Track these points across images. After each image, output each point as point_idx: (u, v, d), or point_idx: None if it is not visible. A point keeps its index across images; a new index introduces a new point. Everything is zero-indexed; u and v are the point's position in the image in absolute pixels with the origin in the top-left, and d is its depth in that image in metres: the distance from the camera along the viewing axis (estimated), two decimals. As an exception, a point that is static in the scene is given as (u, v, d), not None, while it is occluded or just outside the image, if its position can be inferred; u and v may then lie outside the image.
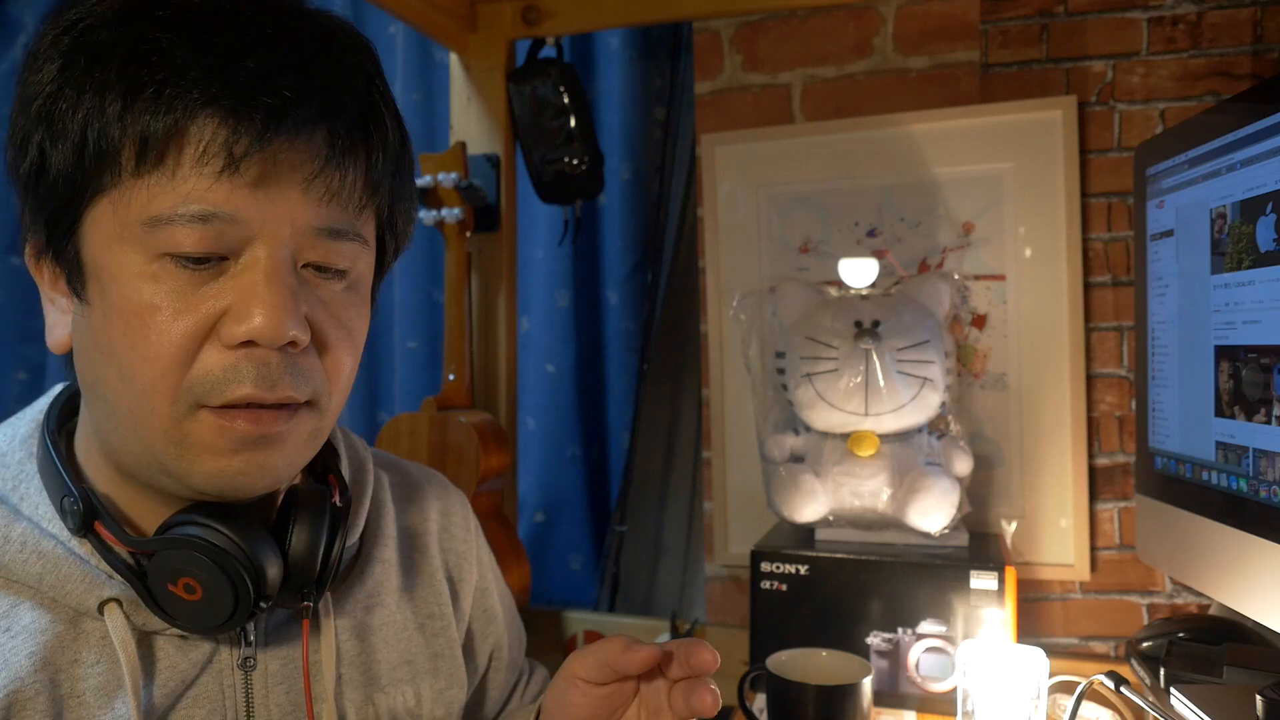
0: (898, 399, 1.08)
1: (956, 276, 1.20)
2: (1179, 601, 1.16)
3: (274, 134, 0.52)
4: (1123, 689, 0.84)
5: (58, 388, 0.67)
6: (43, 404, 0.65)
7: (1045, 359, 1.20)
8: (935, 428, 1.16)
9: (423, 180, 1.27)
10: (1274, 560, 0.78)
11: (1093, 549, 1.19)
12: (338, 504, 0.66)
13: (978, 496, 1.19)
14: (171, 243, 0.52)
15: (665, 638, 1.05)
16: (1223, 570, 0.86)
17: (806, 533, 1.14)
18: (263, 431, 0.56)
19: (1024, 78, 1.21)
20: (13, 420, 0.66)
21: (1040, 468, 1.21)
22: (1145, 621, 1.17)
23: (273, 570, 0.59)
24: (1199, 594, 1.14)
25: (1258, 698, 0.79)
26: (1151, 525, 1.00)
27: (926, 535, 1.07)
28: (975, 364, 1.23)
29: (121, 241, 0.53)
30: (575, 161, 1.32)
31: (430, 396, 1.26)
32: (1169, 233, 0.95)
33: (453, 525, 0.80)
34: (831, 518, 1.11)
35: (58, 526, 0.58)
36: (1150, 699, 0.84)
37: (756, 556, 1.09)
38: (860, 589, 1.05)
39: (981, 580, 1.01)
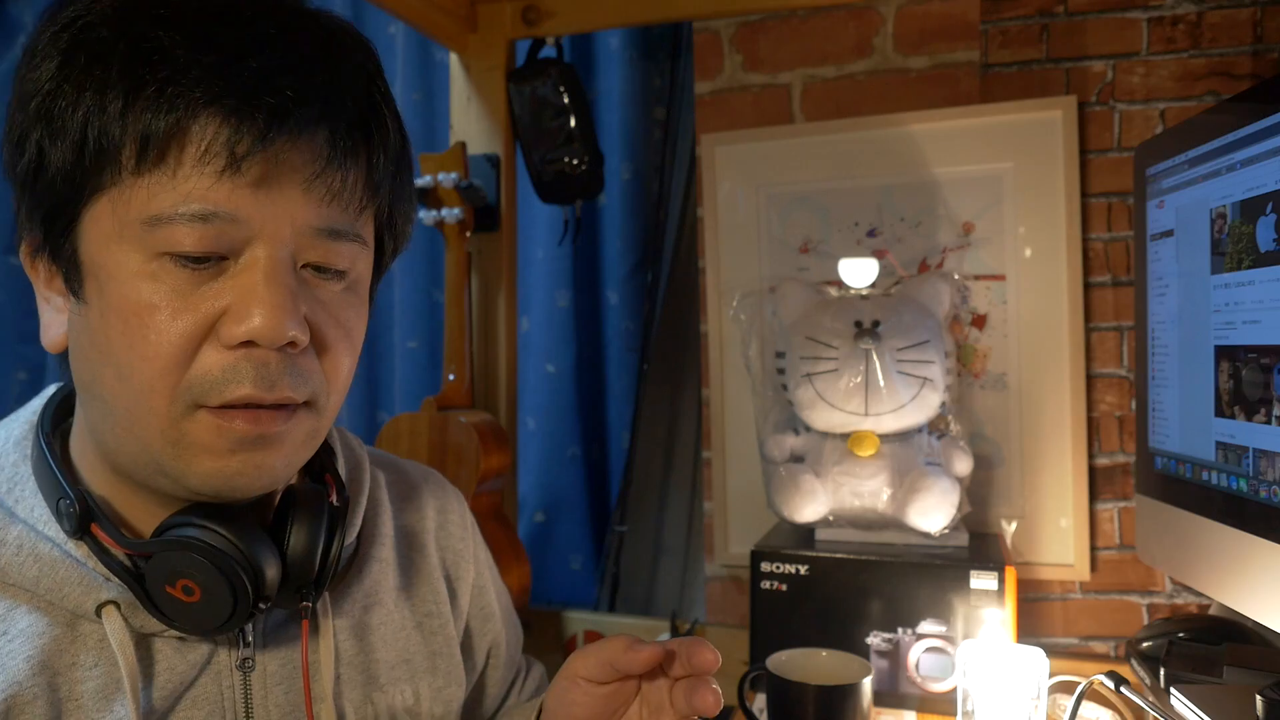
0: (898, 399, 1.08)
1: (956, 276, 1.20)
2: (1179, 601, 1.16)
3: (276, 134, 0.52)
4: (1123, 689, 0.84)
5: (51, 388, 0.67)
6: (36, 405, 0.65)
7: (1045, 359, 1.20)
8: (935, 428, 1.16)
9: (423, 180, 1.27)
10: (1274, 560, 0.78)
11: (1093, 549, 1.19)
12: (335, 503, 0.66)
13: (978, 496, 1.19)
14: (171, 242, 0.52)
15: (665, 638, 1.05)
16: (1223, 570, 0.86)
17: (806, 533, 1.14)
18: (261, 432, 0.56)
19: (1024, 78, 1.21)
20: (6, 422, 0.65)
21: (1040, 468, 1.21)
22: (1145, 621, 1.17)
23: (271, 571, 0.58)
24: (1199, 594, 1.14)
25: (1258, 698, 0.79)
26: (1151, 525, 1.00)
27: (926, 535, 1.07)
28: (975, 364, 1.23)
29: (120, 240, 0.53)
30: (575, 161, 1.32)
31: (430, 396, 1.26)
32: (1169, 233, 0.95)
33: (450, 524, 0.80)
34: (831, 518, 1.11)
35: (54, 529, 0.58)
36: (1150, 699, 0.84)
37: (756, 556, 1.09)
38: (860, 589, 1.05)
39: (981, 580, 1.01)
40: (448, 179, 1.26)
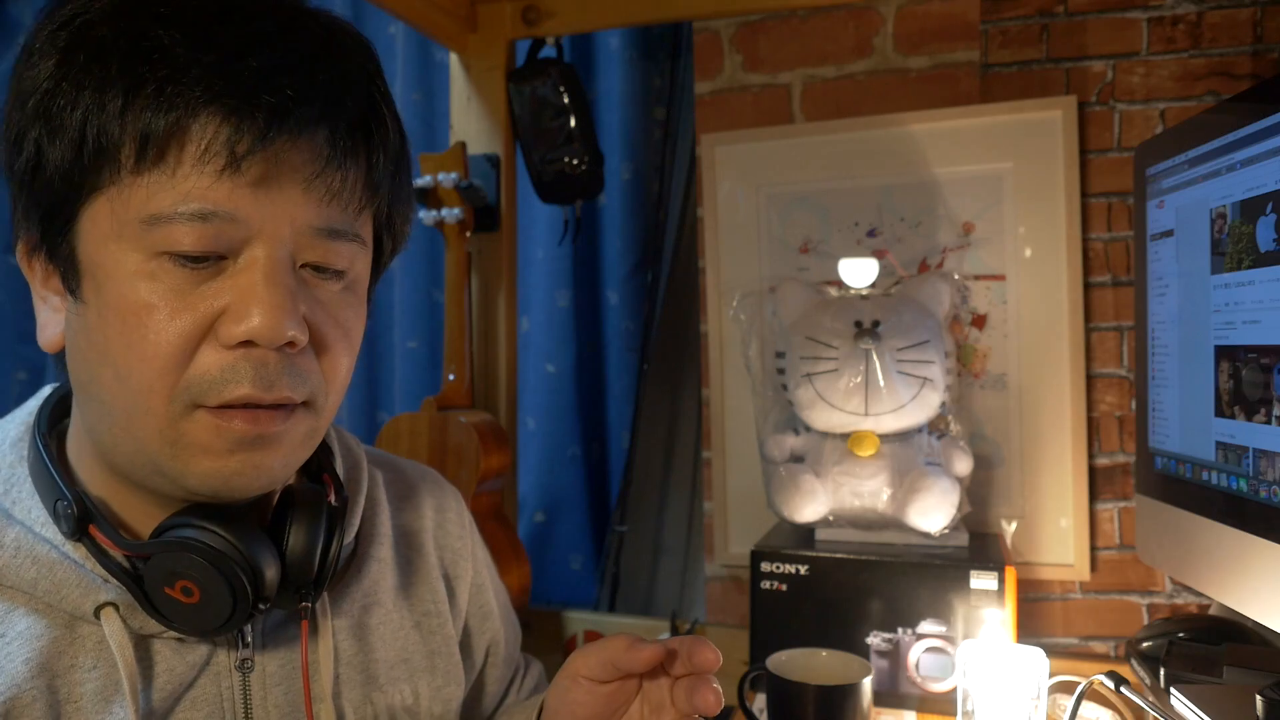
0: (898, 399, 1.08)
1: (956, 276, 1.20)
2: (1179, 601, 1.16)
3: (276, 133, 0.52)
4: (1123, 689, 0.84)
5: (47, 389, 0.66)
6: (32, 406, 0.65)
7: (1045, 359, 1.20)
8: (935, 428, 1.16)
9: (423, 180, 1.27)
10: (1274, 560, 0.78)
11: (1093, 549, 1.19)
12: (333, 503, 0.65)
13: (978, 496, 1.19)
14: (170, 241, 0.52)
15: (665, 637, 1.05)
16: (1223, 570, 0.86)
17: (806, 533, 1.14)
18: (260, 431, 0.55)
19: (1024, 78, 1.21)
20: (2, 423, 0.65)
21: (1040, 468, 1.21)
22: (1145, 621, 1.17)
23: (270, 571, 0.58)
24: (1199, 594, 1.14)
25: (1258, 698, 0.79)
26: (1151, 525, 1.00)
27: (926, 535, 1.07)
28: (975, 364, 1.23)
29: (119, 239, 0.53)
30: (575, 161, 1.32)
31: (430, 396, 1.26)
32: (1169, 233, 0.95)
33: (448, 522, 0.80)
34: (831, 518, 1.11)
35: (51, 531, 0.58)
36: (1150, 699, 0.84)
37: (756, 556, 1.09)
38: (860, 589, 1.05)
39: (981, 580, 1.01)
40: (448, 179, 1.26)
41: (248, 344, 0.54)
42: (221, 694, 0.61)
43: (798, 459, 1.16)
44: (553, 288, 1.63)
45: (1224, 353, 0.85)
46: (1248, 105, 0.83)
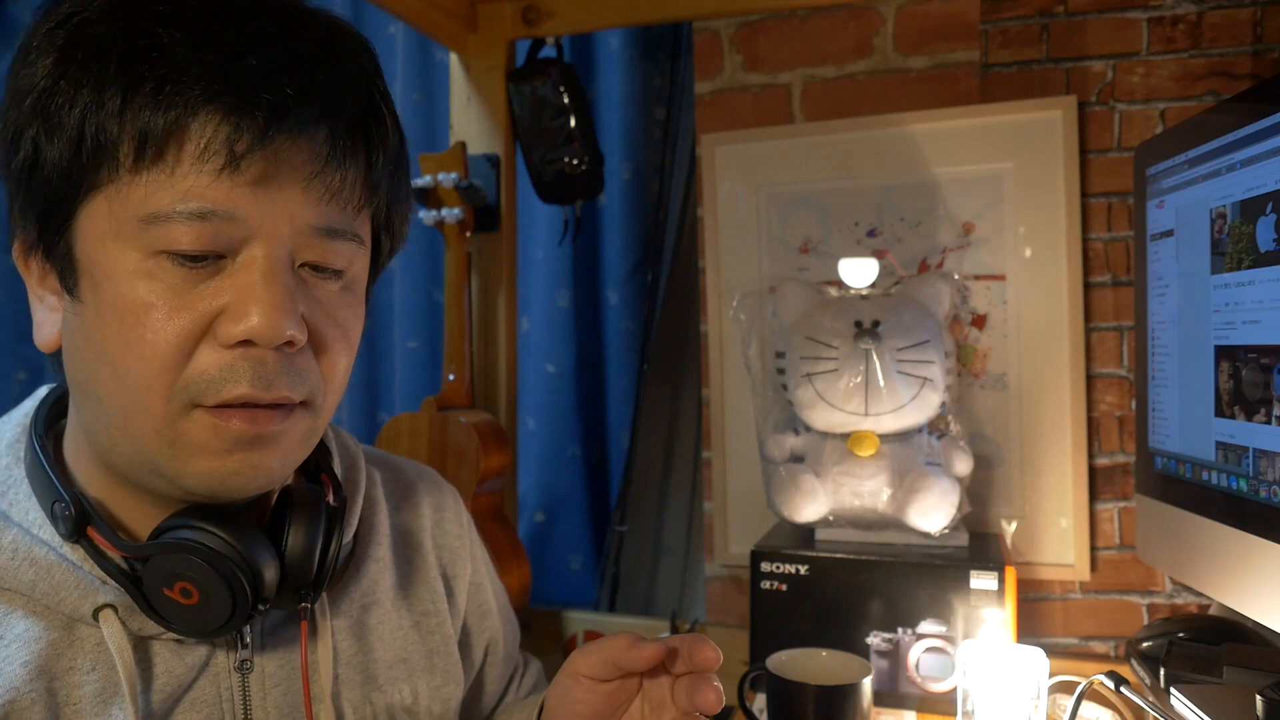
0: (898, 399, 1.08)
1: (956, 276, 1.20)
2: (1179, 601, 1.16)
3: (276, 132, 0.52)
4: (1123, 689, 0.84)
5: (42, 390, 0.66)
6: (28, 407, 0.64)
7: (1045, 359, 1.20)
8: (935, 428, 1.16)
9: (423, 180, 1.27)
10: (1274, 560, 0.78)
11: (1093, 549, 1.19)
12: (332, 503, 0.65)
13: (978, 496, 1.19)
14: (168, 240, 0.52)
15: (665, 637, 1.05)
16: (1223, 570, 0.86)
17: (806, 533, 1.14)
18: (258, 431, 0.55)
19: (1024, 78, 1.21)
20: None
21: (1040, 468, 1.21)
22: (1145, 621, 1.17)
23: (270, 572, 0.58)
24: (1199, 594, 1.14)
25: (1258, 698, 0.79)
26: (1151, 525, 1.00)
27: (926, 535, 1.07)
28: (975, 364, 1.23)
29: (117, 238, 0.53)
30: (575, 161, 1.32)
31: (430, 396, 1.26)
32: (1169, 233, 0.95)
33: (446, 521, 0.80)
34: (831, 518, 1.11)
35: (49, 533, 0.58)
36: (1150, 699, 0.84)
37: (756, 556, 1.09)
38: (860, 589, 1.05)
39: (981, 580, 1.01)
40: (448, 179, 1.26)
41: (246, 343, 0.54)
42: (221, 695, 0.61)
43: (798, 459, 1.16)
44: (553, 288, 1.63)
45: (1224, 353, 0.85)
46: (1248, 105, 0.83)
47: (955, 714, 0.93)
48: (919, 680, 1.02)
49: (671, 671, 0.60)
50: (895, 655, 1.03)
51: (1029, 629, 1.20)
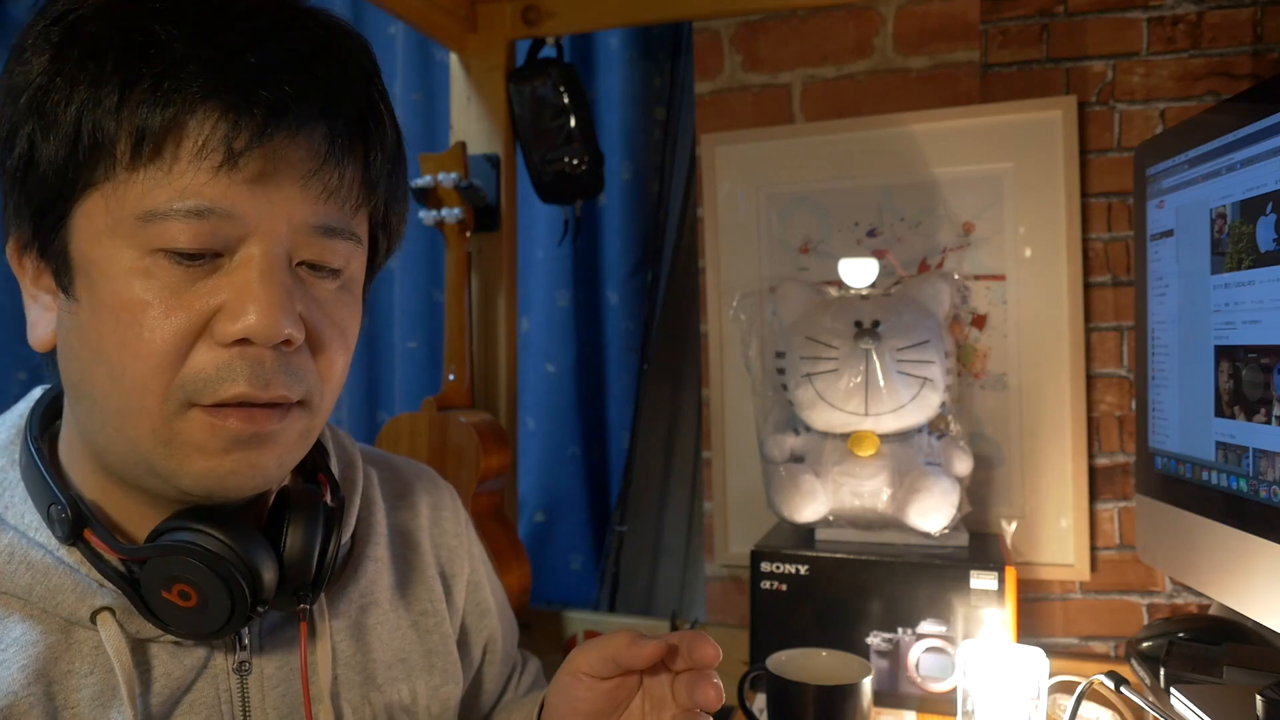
0: (898, 399, 1.08)
1: (956, 276, 1.20)
2: (1179, 601, 1.16)
3: (274, 130, 0.51)
4: (1123, 689, 0.84)
5: (37, 391, 0.66)
6: (23, 408, 0.64)
7: (1045, 359, 1.20)
8: (935, 428, 1.15)
9: (423, 180, 1.27)
10: (1274, 560, 0.78)
11: (1093, 549, 1.19)
12: (330, 503, 0.65)
13: (978, 496, 1.19)
14: (165, 238, 0.52)
15: (665, 638, 1.05)
16: (1223, 570, 0.86)
17: (806, 533, 1.14)
18: (255, 430, 0.55)
19: (1024, 78, 1.21)
20: None
21: (1040, 468, 1.20)
22: (1145, 621, 1.17)
23: (268, 573, 0.58)
24: (1199, 594, 1.14)
25: (1258, 698, 0.78)
26: (1151, 525, 1.00)
27: (926, 535, 1.07)
28: (975, 364, 1.23)
29: (113, 236, 0.52)
30: (575, 161, 1.32)
31: (430, 396, 1.26)
32: (1169, 233, 0.95)
33: (443, 520, 0.80)
34: (831, 518, 1.11)
35: (45, 535, 0.57)
36: (1150, 699, 0.84)
37: (756, 556, 1.09)
38: (860, 589, 1.05)
39: (981, 580, 1.01)
40: (448, 179, 1.26)
41: (243, 342, 0.53)
42: (220, 697, 0.61)
43: (798, 459, 1.15)
44: (553, 288, 1.63)
45: (1224, 353, 0.85)
46: (1248, 105, 0.82)
47: (955, 714, 0.93)
48: (919, 680, 1.02)
49: (671, 669, 0.60)
50: (895, 655, 1.03)
51: (1029, 629, 1.20)
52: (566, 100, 1.31)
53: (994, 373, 1.23)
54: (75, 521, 0.56)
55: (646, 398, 1.60)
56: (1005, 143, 1.20)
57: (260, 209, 0.53)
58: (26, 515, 0.58)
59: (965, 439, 1.15)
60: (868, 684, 0.89)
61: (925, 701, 1.02)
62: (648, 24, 1.53)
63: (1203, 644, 0.93)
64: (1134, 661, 1.00)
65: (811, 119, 1.30)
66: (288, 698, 0.63)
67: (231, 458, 0.55)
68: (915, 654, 1.02)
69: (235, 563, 0.56)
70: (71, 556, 0.57)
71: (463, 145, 1.30)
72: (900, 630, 1.03)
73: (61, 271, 0.55)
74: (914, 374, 1.09)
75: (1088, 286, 1.19)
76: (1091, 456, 1.19)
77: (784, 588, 1.08)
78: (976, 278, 1.22)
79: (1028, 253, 1.20)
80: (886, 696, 1.03)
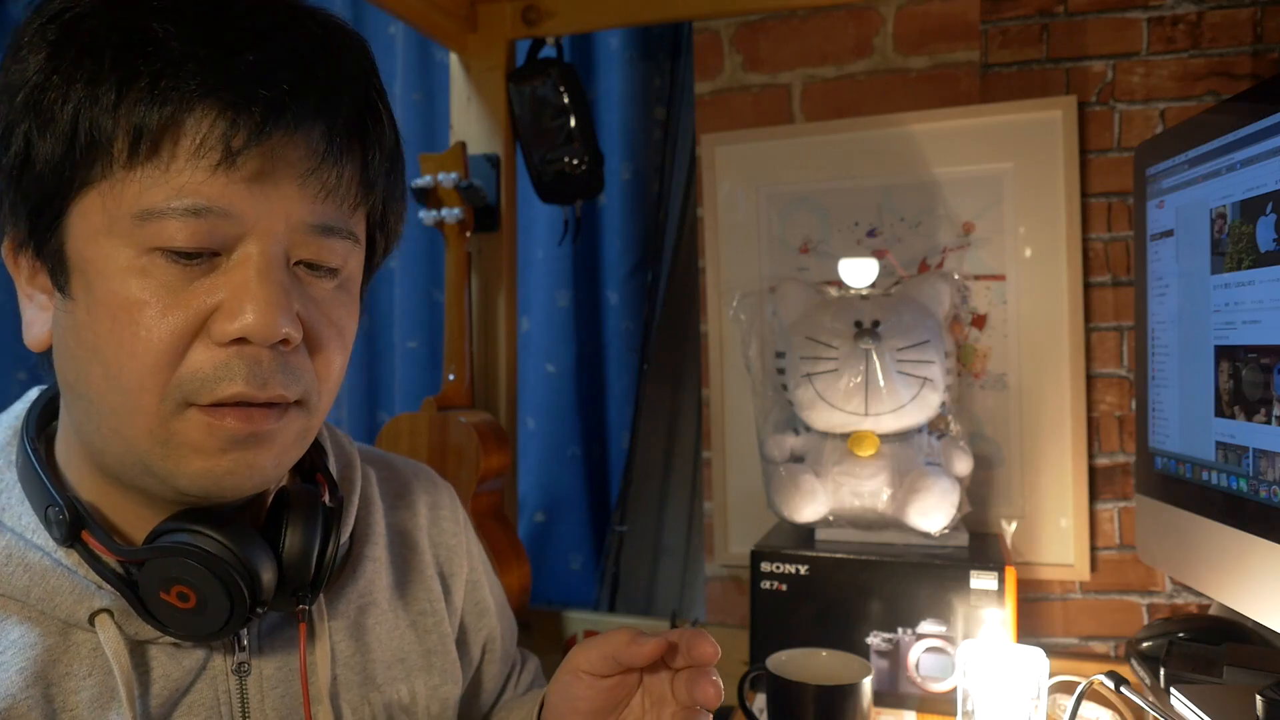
0: (898, 399, 1.08)
1: (956, 276, 1.20)
2: (1179, 601, 1.16)
3: (272, 128, 0.51)
4: (1123, 689, 0.84)
5: (34, 391, 0.65)
6: (19, 409, 0.64)
7: (1045, 359, 1.20)
8: (935, 428, 1.15)
9: (423, 180, 1.27)
10: (1274, 560, 0.78)
11: (1093, 549, 1.19)
12: (328, 503, 0.65)
13: (978, 496, 1.19)
14: (163, 237, 0.51)
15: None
16: (1223, 570, 0.86)
17: (806, 533, 1.14)
18: (253, 430, 0.55)
19: (1024, 78, 1.21)
20: None
21: (1040, 468, 1.20)
22: (1145, 621, 1.17)
23: (267, 574, 0.58)
24: (1199, 594, 1.14)
25: (1258, 698, 0.78)
26: (1151, 525, 1.00)
27: (926, 535, 1.07)
28: (975, 364, 1.23)
29: (110, 235, 0.52)
30: (575, 161, 1.32)
31: (430, 396, 1.26)
32: (1169, 233, 0.95)
33: (442, 519, 0.80)
34: (831, 518, 1.11)
35: (43, 537, 0.57)
36: (1150, 699, 0.83)
37: (756, 556, 1.09)
38: (860, 589, 1.05)
39: (981, 580, 1.01)
40: (448, 179, 1.26)
41: (241, 341, 0.53)
42: (219, 698, 0.61)
43: (798, 459, 1.15)
44: (553, 288, 1.63)
45: (1224, 353, 0.85)
46: (1248, 105, 0.82)
47: (955, 714, 0.92)
48: (919, 680, 1.02)
49: (671, 666, 0.60)
50: (895, 655, 1.03)
51: (1029, 629, 1.20)
52: (566, 100, 1.31)
53: (994, 373, 1.22)
54: (73, 523, 0.56)
55: (646, 398, 1.60)
56: (1005, 143, 1.20)
57: (258, 208, 0.53)
58: (24, 517, 0.58)
59: (965, 439, 1.15)
60: (868, 684, 0.89)
61: (925, 701, 1.02)
62: (648, 24, 1.53)
63: (1203, 644, 0.93)
64: (1134, 661, 1.00)
65: (811, 119, 1.30)
66: (287, 698, 0.63)
67: (229, 458, 0.55)
68: (915, 654, 1.02)
69: (234, 564, 0.56)
70: (69, 558, 0.57)
71: (463, 145, 1.30)
72: (900, 630, 1.03)
73: (58, 270, 0.55)
74: (914, 374, 1.08)
75: (1088, 286, 1.19)
76: (1091, 456, 1.19)
77: (784, 588, 1.08)
78: (976, 278, 1.22)
79: (1028, 253, 1.20)
80: (886, 696, 1.03)
